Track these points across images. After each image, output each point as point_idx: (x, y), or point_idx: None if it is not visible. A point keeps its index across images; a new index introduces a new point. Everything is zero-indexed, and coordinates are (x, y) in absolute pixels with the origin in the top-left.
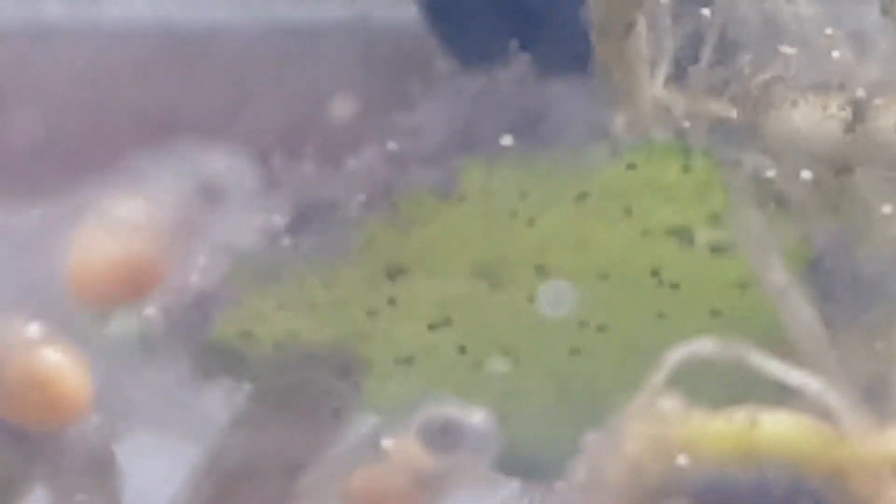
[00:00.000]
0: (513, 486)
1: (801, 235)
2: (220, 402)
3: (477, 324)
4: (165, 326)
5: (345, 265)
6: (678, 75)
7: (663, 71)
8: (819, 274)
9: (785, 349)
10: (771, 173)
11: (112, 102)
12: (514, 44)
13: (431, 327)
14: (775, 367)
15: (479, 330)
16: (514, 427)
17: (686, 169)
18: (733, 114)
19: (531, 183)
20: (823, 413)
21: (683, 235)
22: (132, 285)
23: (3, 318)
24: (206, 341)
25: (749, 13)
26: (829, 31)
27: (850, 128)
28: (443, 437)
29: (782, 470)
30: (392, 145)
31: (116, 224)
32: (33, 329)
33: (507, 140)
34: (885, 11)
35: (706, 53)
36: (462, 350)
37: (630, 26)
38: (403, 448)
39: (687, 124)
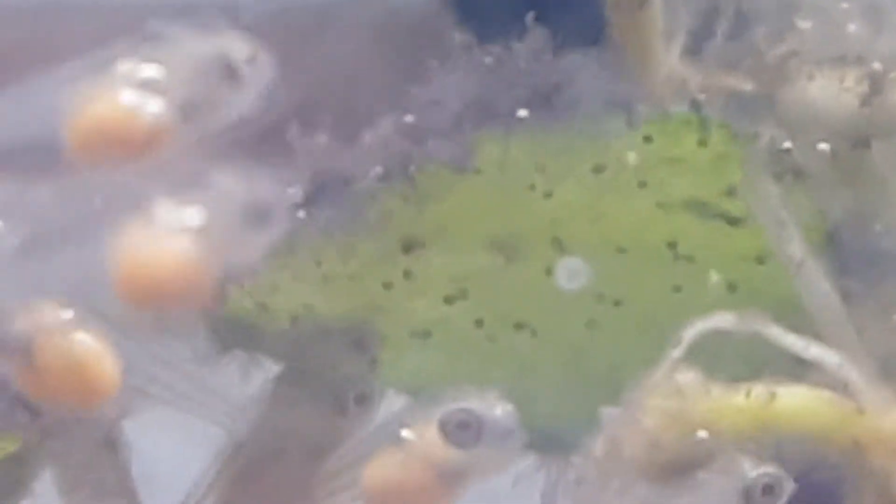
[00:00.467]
0: (529, 460)
1: (818, 208)
2: (236, 377)
3: (493, 297)
4: None
5: (361, 238)
6: (694, 48)
7: (678, 43)
8: (836, 247)
9: (802, 323)
10: (787, 146)
11: None
12: (529, 16)
13: (447, 301)
14: (793, 341)
15: (496, 303)
16: (531, 401)
17: (702, 142)
18: (749, 87)
19: (547, 156)
20: (841, 387)
21: (700, 208)
22: (178, 289)
23: (37, 302)
24: (221, 315)
25: None
26: (844, 4)
27: (866, 101)
28: (464, 431)
29: (800, 444)
30: (408, 118)
31: (166, 226)
32: (67, 313)
33: (523, 113)
34: None
35: (722, 26)
36: (478, 323)
37: None
38: (423, 439)
39: (702, 96)
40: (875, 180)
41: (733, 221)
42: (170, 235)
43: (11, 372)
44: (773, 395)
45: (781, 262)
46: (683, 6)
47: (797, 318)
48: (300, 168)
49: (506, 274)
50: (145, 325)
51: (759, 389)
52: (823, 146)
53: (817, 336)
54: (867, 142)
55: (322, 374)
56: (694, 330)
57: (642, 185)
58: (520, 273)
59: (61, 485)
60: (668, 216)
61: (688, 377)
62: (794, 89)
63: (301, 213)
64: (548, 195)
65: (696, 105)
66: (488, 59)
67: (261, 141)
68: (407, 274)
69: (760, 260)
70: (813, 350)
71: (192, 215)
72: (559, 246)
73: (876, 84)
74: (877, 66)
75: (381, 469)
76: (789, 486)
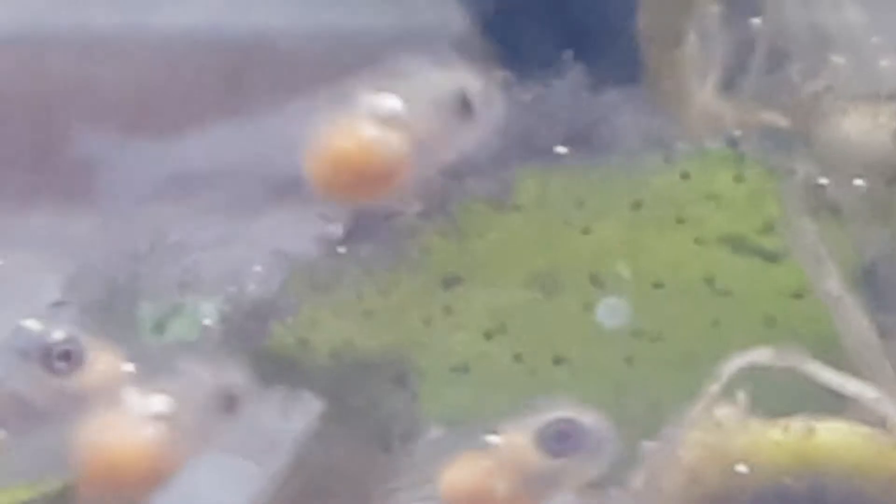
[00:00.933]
0: (568, 493)
1: (854, 244)
2: (277, 414)
3: (532, 332)
4: (223, 334)
5: (401, 274)
6: (729, 84)
7: (714, 79)
8: (873, 283)
9: (840, 358)
10: (823, 182)
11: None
12: (567, 54)
13: (487, 336)
14: (831, 376)
15: (534, 338)
16: None
17: (739, 178)
18: (784, 122)
19: (586, 192)
20: (879, 422)
21: (737, 244)
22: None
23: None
24: (262, 349)
25: (798, 22)
26: (877, 40)
27: None
28: (563, 440)
29: (839, 478)
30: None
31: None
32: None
33: (561, 150)
34: None
35: (756, 62)
36: (517, 358)
37: (680, 35)
38: (512, 446)
39: (738, 132)
40: None
41: (770, 257)
42: (137, 423)
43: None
44: (811, 430)
45: (818, 297)
46: (718, 42)
47: (835, 353)
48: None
49: (544, 309)
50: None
51: (797, 424)
52: (858, 182)
53: (855, 371)
54: None
55: (364, 410)
56: (732, 365)
57: (680, 221)
58: (558, 308)
59: None
60: (705, 252)
61: (726, 412)
62: (828, 125)
63: (342, 249)
64: (586, 231)
65: (732, 142)
66: (527, 97)
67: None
68: (447, 309)
69: (798, 295)
70: (851, 385)
71: (160, 403)
72: (597, 281)
73: None
74: None
75: (462, 475)
76: None
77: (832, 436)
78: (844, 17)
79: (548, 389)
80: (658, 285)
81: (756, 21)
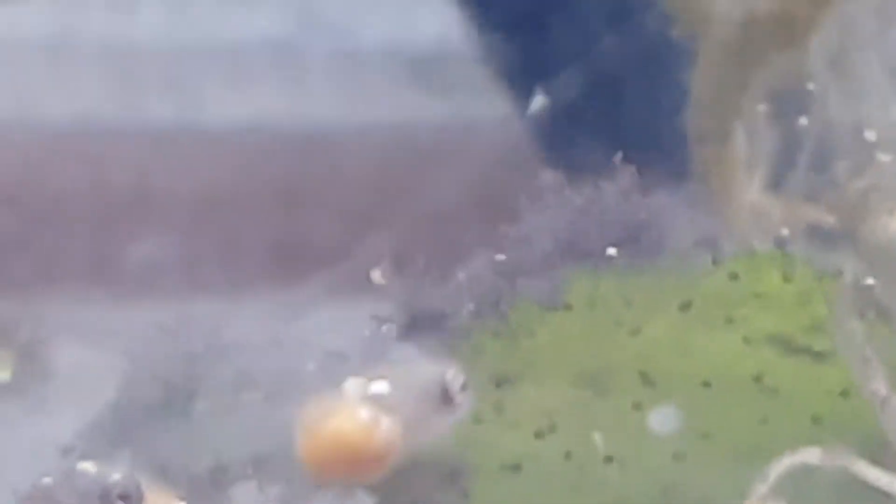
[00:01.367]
0: None
1: None
2: None
3: (582, 431)
4: (279, 430)
5: None
6: (775, 182)
7: (761, 177)
8: None
9: (888, 457)
10: (870, 282)
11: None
12: (617, 156)
13: (537, 434)
14: (878, 476)
15: (585, 437)
16: None
17: (787, 278)
18: (830, 220)
19: (635, 292)
20: None
21: (784, 343)
22: (369, 461)
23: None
24: None
25: (844, 121)
26: None
27: None
28: None
29: None
30: (500, 256)
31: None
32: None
33: (612, 251)
34: None
35: (803, 160)
36: (568, 457)
37: (728, 134)
38: None
39: (786, 232)
40: None
41: (817, 356)
42: (357, 408)
43: None
44: None
45: (865, 397)
46: (765, 141)
47: (882, 452)
48: (396, 304)
49: (594, 408)
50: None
51: None
52: None
53: None
54: None
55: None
56: (780, 465)
57: (728, 320)
58: (608, 407)
59: None
60: (753, 351)
61: None
62: (874, 224)
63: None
64: (636, 331)
65: (780, 242)
66: (578, 199)
67: (359, 278)
68: (498, 407)
69: (845, 394)
70: None
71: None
72: (647, 381)
73: None
74: None
75: None
76: None
77: None
78: (890, 116)
79: (597, 488)
80: (707, 384)
81: (802, 120)
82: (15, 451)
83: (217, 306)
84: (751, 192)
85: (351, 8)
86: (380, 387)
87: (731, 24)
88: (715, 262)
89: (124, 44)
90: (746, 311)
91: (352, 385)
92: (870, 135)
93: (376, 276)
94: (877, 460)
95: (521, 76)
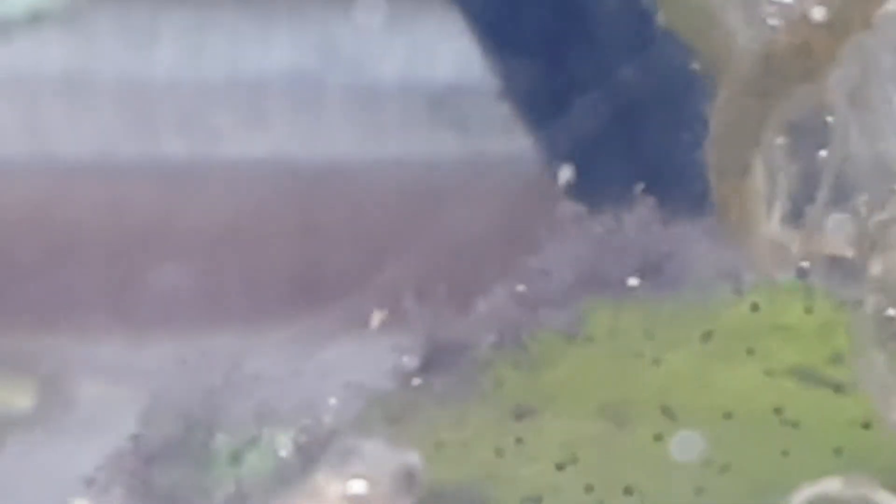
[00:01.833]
0: None
1: None
2: None
3: (603, 463)
4: (300, 465)
5: (474, 405)
6: (795, 214)
7: (780, 209)
8: None
9: None
10: (892, 313)
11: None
12: (638, 187)
13: (558, 467)
14: None
15: (606, 469)
16: None
17: (808, 309)
18: (850, 253)
19: (656, 324)
20: None
21: (806, 375)
22: None
23: None
24: None
25: (863, 154)
26: None
27: None
28: None
29: None
30: (520, 287)
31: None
32: None
33: (633, 282)
34: None
35: (822, 193)
36: (588, 489)
37: (747, 167)
38: None
39: (805, 263)
40: None
41: (839, 388)
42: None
43: None
44: None
45: (887, 427)
46: (785, 174)
47: None
48: (415, 336)
49: (615, 439)
50: None
51: None
52: None
53: None
54: None
55: None
56: (801, 496)
57: (749, 352)
58: (629, 439)
59: None
60: (774, 383)
61: None
62: (895, 257)
63: (416, 381)
64: (657, 362)
65: (802, 273)
66: (598, 229)
67: (378, 309)
68: (518, 440)
69: (867, 426)
70: None
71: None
72: (668, 412)
73: None
74: None
75: None
76: None
77: None
78: None
79: None
80: (727, 416)
81: (822, 153)
82: (33, 480)
83: (237, 339)
84: (770, 225)
85: (369, 43)
86: (357, 486)
87: (751, 57)
88: (736, 293)
89: (141, 79)
90: (767, 343)
91: (329, 485)
92: (890, 167)
93: (376, 320)
94: None
95: (541, 108)
